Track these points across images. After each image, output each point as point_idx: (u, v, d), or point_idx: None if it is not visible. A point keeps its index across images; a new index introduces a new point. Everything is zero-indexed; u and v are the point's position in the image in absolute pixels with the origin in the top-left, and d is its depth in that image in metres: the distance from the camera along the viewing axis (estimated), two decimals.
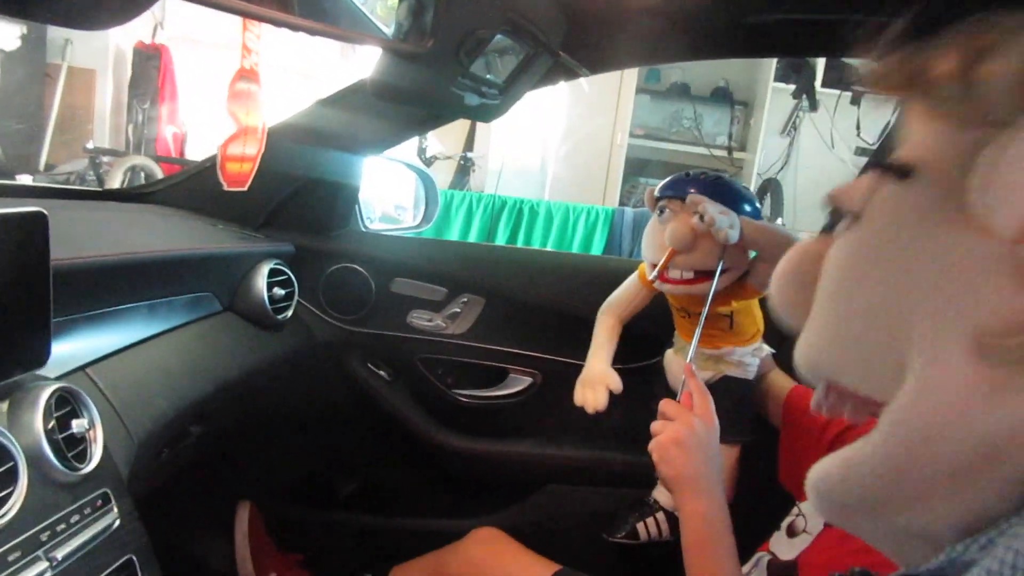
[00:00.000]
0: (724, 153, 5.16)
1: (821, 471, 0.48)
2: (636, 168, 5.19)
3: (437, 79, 1.03)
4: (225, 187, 1.00)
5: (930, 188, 0.44)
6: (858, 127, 4.51)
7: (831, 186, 0.52)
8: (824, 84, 4.88)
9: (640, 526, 1.42)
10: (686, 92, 5.18)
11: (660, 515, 1.42)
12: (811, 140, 5.12)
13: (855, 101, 4.08)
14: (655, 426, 1.12)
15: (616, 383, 1.43)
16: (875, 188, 0.47)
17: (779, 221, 4.73)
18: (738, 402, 1.37)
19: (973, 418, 0.40)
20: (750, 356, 1.37)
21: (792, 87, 4.97)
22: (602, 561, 1.54)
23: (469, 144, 4.94)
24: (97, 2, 0.48)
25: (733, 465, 1.39)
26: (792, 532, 1.15)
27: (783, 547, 1.14)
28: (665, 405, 1.14)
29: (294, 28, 0.71)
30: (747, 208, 1.30)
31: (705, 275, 1.28)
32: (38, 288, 0.94)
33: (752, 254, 1.32)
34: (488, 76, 1.15)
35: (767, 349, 1.42)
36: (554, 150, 4.79)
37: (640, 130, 5.09)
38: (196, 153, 4.98)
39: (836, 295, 0.48)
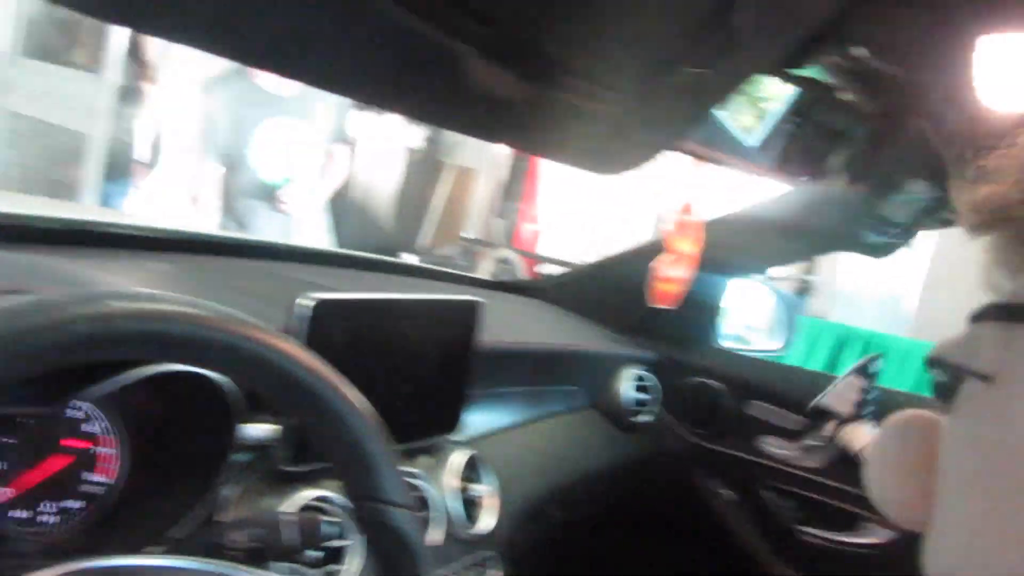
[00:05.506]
0: None
1: None
2: None
3: (844, 216, 1.04)
4: (654, 303, 1.10)
5: None
6: None
7: None
8: None
9: None
10: None
11: None
12: None
13: None
14: None
15: None
16: (1007, 340, 0.39)
17: None
18: None
19: None
20: None
21: None
22: None
23: (811, 264, 4.74)
24: (618, 152, 0.58)
25: None
26: None
27: None
28: None
29: (730, 167, 0.79)
30: None
31: None
32: (463, 365, 1.11)
33: None
34: (894, 216, 1.13)
35: None
36: (920, 277, 4.35)
37: None
38: (545, 248, 5.40)
39: (996, 480, 0.40)
